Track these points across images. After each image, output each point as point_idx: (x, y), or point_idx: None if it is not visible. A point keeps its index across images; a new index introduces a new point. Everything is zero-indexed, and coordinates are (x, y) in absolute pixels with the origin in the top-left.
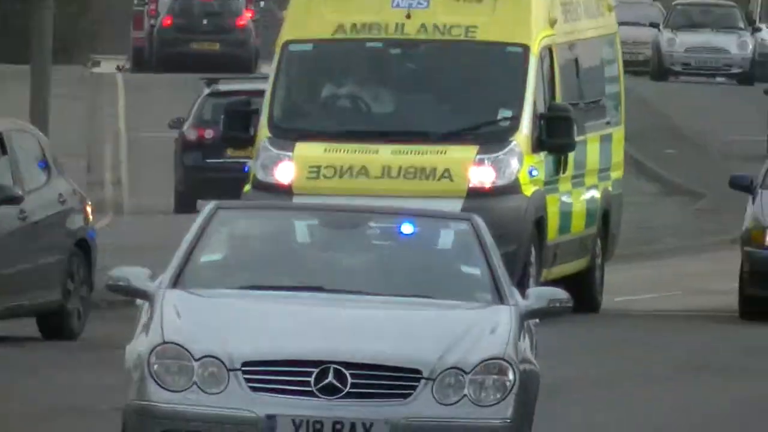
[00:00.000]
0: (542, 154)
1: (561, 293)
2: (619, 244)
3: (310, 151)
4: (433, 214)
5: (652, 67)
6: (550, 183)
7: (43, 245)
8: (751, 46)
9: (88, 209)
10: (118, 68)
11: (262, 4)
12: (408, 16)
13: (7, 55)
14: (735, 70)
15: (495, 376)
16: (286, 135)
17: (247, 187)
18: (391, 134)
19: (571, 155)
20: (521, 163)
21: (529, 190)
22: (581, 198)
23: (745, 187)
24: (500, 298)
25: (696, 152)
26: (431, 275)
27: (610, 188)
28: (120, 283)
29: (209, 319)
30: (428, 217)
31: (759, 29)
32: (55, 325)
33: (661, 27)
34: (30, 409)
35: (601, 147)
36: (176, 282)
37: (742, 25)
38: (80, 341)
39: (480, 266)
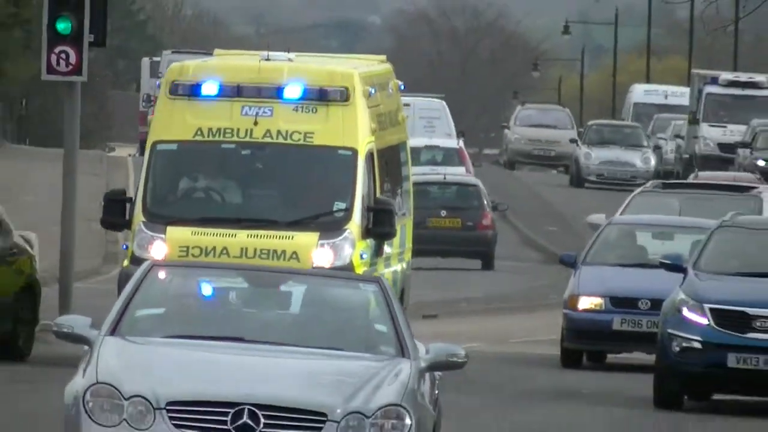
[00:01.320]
0: (369, 240)
1: (459, 350)
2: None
3: (179, 234)
4: (346, 276)
5: (571, 176)
6: (372, 264)
7: None
8: (653, 161)
9: (35, 260)
10: (129, 155)
11: None
12: (255, 123)
13: (40, 140)
14: (639, 181)
15: (393, 421)
16: (158, 220)
17: (126, 263)
18: (245, 221)
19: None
20: (354, 247)
21: (360, 269)
22: (390, 277)
23: (571, 264)
24: (402, 352)
25: (570, 230)
26: (341, 330)
27: (405, 267)
28: (64, 330)
29: (139, 363)
30: (341, 278)
31: (659, 147)
32: (6, 347)
33: (579, 143)
34: None
35: (400, 234)
36: (114, 330)
37: (645, 143)
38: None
39: (386, 323)
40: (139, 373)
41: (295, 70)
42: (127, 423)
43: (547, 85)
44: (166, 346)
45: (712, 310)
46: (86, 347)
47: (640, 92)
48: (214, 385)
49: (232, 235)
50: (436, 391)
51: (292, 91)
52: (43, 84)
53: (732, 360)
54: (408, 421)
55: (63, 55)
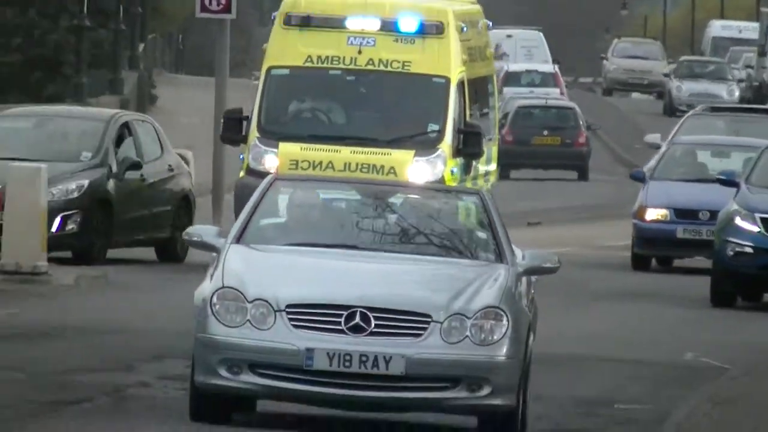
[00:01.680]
0: (459, 159)
1: (552, 256)
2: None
3: (290, 149)
4: (449, 189)
5: (664, 106)
6: (462, 181)
7: (156, 199)
8: (737, 93)
9: (191, 175)
10: None
11: None
12: (359, 52)
13: (195, 70)
14: None
15: (492, 321)
16: (271, 136)
17: (242, 173)
18: (348, 139)
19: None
20: (445, 164)
21: (451, 184)
22: None
23: (640, 179)
24: (501, 258)
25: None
26: (445, 238)
27: (490, 186)
28: (194, 239)
29: (262, 268)
30: (445, 191)
31: (743, 79)
32: (167, 252)
33: (671, 76)
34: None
35: (486, 155)
36: (239, 239)
37: (730, 76)
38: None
39: (486, 232)
40: (261, 277)
41: (396, 6)
42: (250, 323)
43: (634, 21)
44: (286, 253)
45: (762, 219)
46: (214, 254)
47: (718, 27)
48: (329, 290)
49: (336, 151)
50: (533, 293)
51: (394, 24)
52: (197, 21)
53: None
54: (505, 321)
55: None
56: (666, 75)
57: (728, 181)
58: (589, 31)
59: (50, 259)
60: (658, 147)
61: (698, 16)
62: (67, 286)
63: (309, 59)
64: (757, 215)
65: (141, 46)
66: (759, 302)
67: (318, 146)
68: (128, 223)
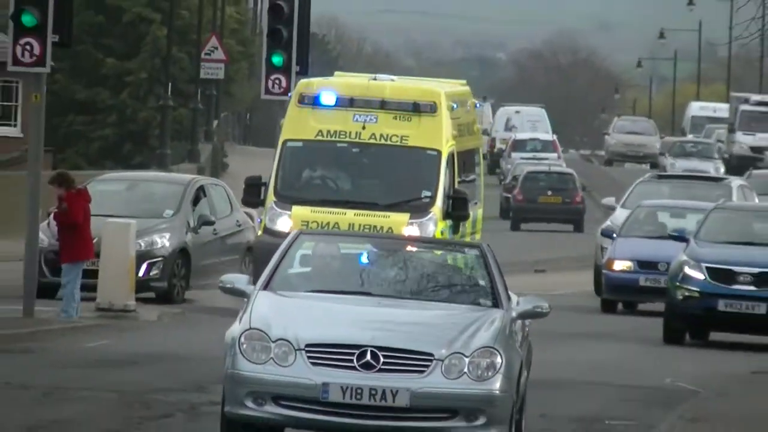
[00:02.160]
0: (448, 221)
1: (542, 301)
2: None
3: (302, 211)
4: (454, 243)
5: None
6: None
7: (226, 249)
8: (722, 169)
9: (256, 228)
10: None
11: None
12: (363, 128)
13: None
14: None
15: (488, 360)
16: (285, 200)
17: (260, 232)
18: (352, 203)
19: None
20: (436, 226)
21: None
22: None
23: (610, 235)
24: (497, 304)
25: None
26: (449, 286)
27: None
28: (227, 285)
29: (284, 312)
30: (450, 244)
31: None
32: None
33: (666, 155)
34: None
35: (472, 217)
36: (266, 286)
37: (716, 155)
38: None
39: (485, 280)
40: (284, 320)
41: (396, 88)
42: (274, 361)
43: (625, 104)
44: (307, 298)
45: (707, 268)
46: (245, 299)
47: (696, 108)
48: (343, 331)
49: (342, 214)
50: (527, 332)
51: (394, 104)
52: (262, 102)
53: (722, 305)
54: (499, 359)
55: (277, 81)
56: (661, 154)
57: (679, 237)
58: (588, 110)
59: (137, 299)
60: (613, 209)
61: (678, 100)
62: (150, 321)
63: (320, 133)
64: (703, 265)
65: (215, 123)
66: (705, 340)
67: (326, 209)
68: (203, 269)
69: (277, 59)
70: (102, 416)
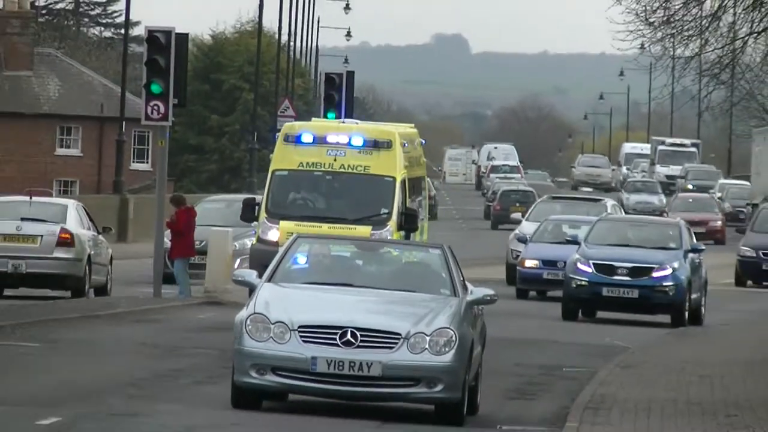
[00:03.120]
0: (401, 233)
1: (490, 291)
2: None
3: (287, 225)
4: (420, 244)
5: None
6: None
7: None
8: (664, 200)
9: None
10: None
11: None
12: (335, 160)
13: None
14: (657, 213)
15: (444, 338)
16: (275, 216)
17: (255, 241)
18: (326, 218)
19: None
20: (392, 236)
21: None
22: None
23: (524, 241)
24: (454, 293)
25: None
26: (416, 278)
27: None
28: (239, 279)
29: (282, 300)
30: (417, 245)
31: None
32: None
33: (623, 191)
34: None
35: (420, 231)
36: (270, 279)
37: (659, 190)
38: None
39: (444, 274)
40: (281, 306)
41: (360, 129)
42: (273, 339)
43: (575, 146)
44: (301, 289)
45: (594, 263)
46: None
47: (628, 147)
48: (329, 315)
49: (319, 227)
50: (481, 315)
51: (358, 141)
52: None
53: (605, 291)
54: (454, 338)
55: (156, 107)
56: (618, 190)
57: (574, 241)
58: (548, 149)
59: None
60: (519, 221)
61: (613, 143)
62: (240, 303)
63: (301, 164)
64: (591, 261)
65: None
66: (594, 317)
67: (306, 223)
68: None
69: (155, 87)
70: (207, 367)
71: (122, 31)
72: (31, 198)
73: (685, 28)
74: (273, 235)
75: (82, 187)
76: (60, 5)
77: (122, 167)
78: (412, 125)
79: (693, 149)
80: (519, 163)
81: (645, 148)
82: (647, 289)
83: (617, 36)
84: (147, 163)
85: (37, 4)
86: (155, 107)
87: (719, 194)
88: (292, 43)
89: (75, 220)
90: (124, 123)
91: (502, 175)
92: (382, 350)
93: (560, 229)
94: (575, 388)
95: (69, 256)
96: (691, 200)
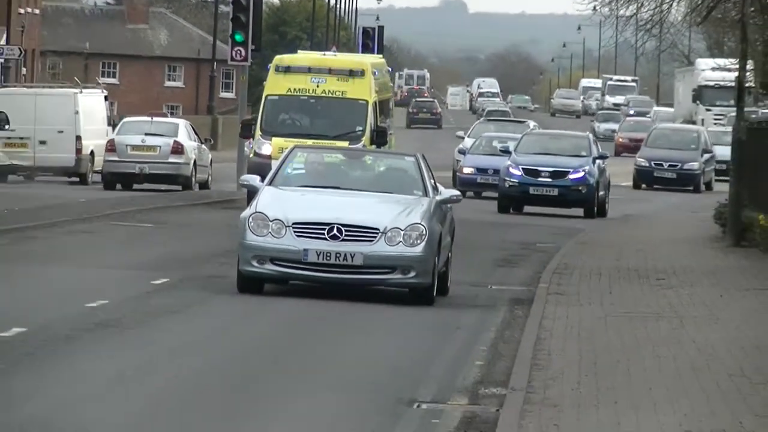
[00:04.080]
0: (373, 146)
1: (456, 192)
2: None
3: (277, 141)
4: (398, 152)
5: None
6: None
7: None
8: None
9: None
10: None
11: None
12: (317, 86)
13: None
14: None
15: (416, 232)
16: (267, 134)
17: (251, 155)
18: (311, 135)
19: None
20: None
21: None
22: None
23: (463, 153)
24: (426, 193)
25: None
26: (393, 181)
27: None
28: (245, 183)
29: (279, 200)
30: (396, 153)
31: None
32: None
33: (595, 121)
34: None
35: (389, 144)
36: (270, 183)
37: (622, 119)
38: None
39: (417, 177)
40: (279, 206)
41: (337, 60)
42: (271, 234)
43: (545, 81)
44: (296, 191)
45: (522, 168)
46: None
47: (585, 82)
48: (318, 213)
49: (304, 142)
50: (450, 212)
51: (337, 70)
52: None
53: (531, 190)
54: (424, 231)
55: (238, 52)
56: (592, 120)
57: (506, 151)
58: (525, 83)
59: None
60: (462, 137)
61: (573, 79)
62: None
63: (289, 90)
64: (520, 166)
65: None
66: (521, 212)
67: (293, 140)
68: None
69: (238, 36)
70: None
71: None
72: (152, 118)
73: None
74: (266, 149)
75: (184, 110)
76: None
77: (214, 96)
78: (380, 56)
79: (633, 84)
80: (499, 92)
81: (597, 83)
82: (565, 188)
83: (577, 0)
84: (232, 92)
85: None
86: (238, 51)
87: (652, 118)
88: (338, 5)
89: (184, 134)
90: (215, 63)
91: (486, 99)
92: (364, 243)
93: (491, 144)
94: (545, 258)
95: (180, 161)
96: (633, 122)
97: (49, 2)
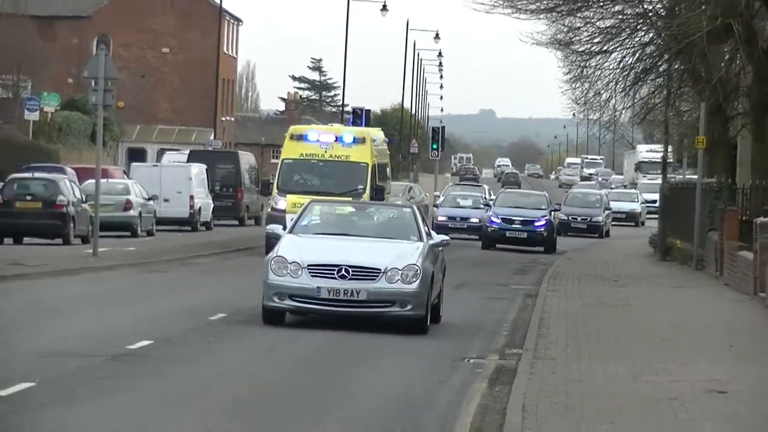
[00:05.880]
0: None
1: (446, 237)
2: None
3: (292, 198)
4: (398, 205)
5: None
6: None
7: None
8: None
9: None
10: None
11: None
12: (326, 151)
13: None
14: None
15: (412, 271)
16: (283, 191)
17: (270, 210)
18: (319, 192)
19: None
20: None
21: None
22: None
23: (436, 206)
24: (421, 239)
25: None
26: (392, 228)
27: None
28: (270, 231)
29: (297, 246)
30: (395, 206)
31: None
32: None
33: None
34: None
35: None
36: (291, 231)
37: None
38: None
39: (414, 225)
40: (296, 250)
41: (343, 130)
42: (289, 275)
43: (543, 159)
44: (312, 238)
45: (501, 217)
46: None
47: (569, 160)
48: (329, 257)
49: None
50: (441, 254)
51: (342, 138)
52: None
53: (508, 233)
54: (419, 271)
55: (434, 153)
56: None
57: (487, 204)
58: (530, 159)
59: None
60: (438, 196)
61: (561, 157)
62: None
63: (302, 155)
64: (499, 216)
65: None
66: (497, 249)
67: (304, 196)
68: None
69: (434, 146)
70: None
71: (341, 107)
72: None
73: (593, 108)
74: (282, 204)
75: None
76: (313, 97)
77: None
78: (379, 129)
79: (600, 161)
80: (510, 164)
81: (577, 160)
82: (531, 233)
83: (564, 109)
84: None
85: (301, 96)
86: (434, 153)
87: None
88: (416, 114)
89: None
90: None
91: (503, 167)
92: (367, 281)
93: (456, 199)
94: (545, 269)
95: None
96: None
97: (240, 112)
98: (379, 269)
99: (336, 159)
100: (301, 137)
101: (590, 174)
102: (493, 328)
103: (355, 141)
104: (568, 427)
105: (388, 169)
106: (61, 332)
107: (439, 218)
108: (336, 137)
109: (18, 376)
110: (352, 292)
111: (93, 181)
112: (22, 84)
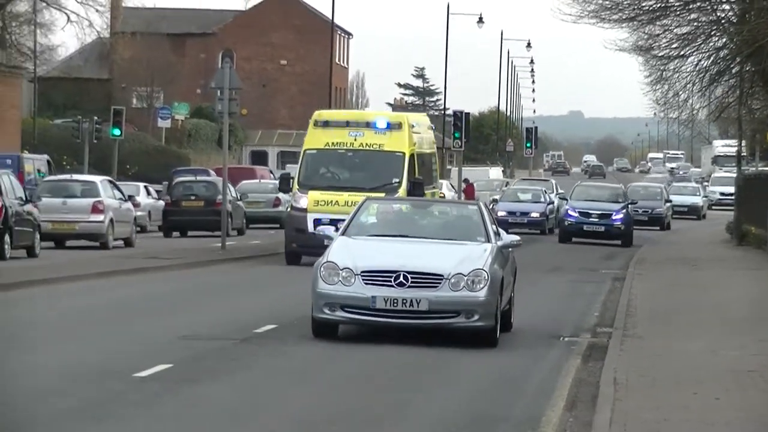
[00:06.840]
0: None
1: (517, 237)
2: None
3: (315, 195)
4: (461, 202)
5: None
6: None
7: None
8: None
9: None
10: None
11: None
12: (355, 139)
13: None
14: None
15: (479, 277)
16: (305, 187)
17: (290, 208)
18: (348, 188)
19: None
20: None
21: None
22: None
23: (496, 201)
24: (488, 239)
25: None
26: (457, 229)
27: None
28: (320, 233)
29: (350, 250)
30: (459, 202)
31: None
32: None
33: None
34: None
35: (428, 196)
36: (344, 233)
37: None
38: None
39: (480, 223)
40: (348, 255)
41: (375, 114)
42: (341, 282)
43: (629, 154)
44: (366, 240)
45: (578, 210)
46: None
47: (652, 155)
48: (386, 262)
49: (340, 195)
50: (512, 256)
51: (375, 124)
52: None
53: (585, 227)
54: (486, 277)
55: (457, 143)
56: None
57: (563, 198)
58: (617, 155)
59: None
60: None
61: (645, 152)
62: None
63: (327, 144)
64: (576, 209)
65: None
66: (572, 242)
67: (330, 192)
68: None
69: (456, 134)
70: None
71: (443, 111)
72: None
73: (672, 107)
74: (303, 203)
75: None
76: (417, 102)
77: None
78: (425, 114)
79: (681, 155)
80: (595, 159)
81: (659, 156)
82: (609, 226)
83: (646, 108)
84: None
85: (406, 102)
86: (456, 142)
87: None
88: (511, 115)
89: None
90: (444, 150)
91: (589, 161)
92: (429, 289)
93: (516, 194)
94: (631, 255)
95: None
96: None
97: None
98: (441, 275)
99: (367, 148)
100: (327, 123)
101: (671, 168)
102: (584, 309)
103: (390, 126)
104: (656, 397)
105: (434, 160)
106: (189, 318)
107: (499, 213)
108: (368, 122)
109: (157, 359)
110: (411, 301)
111: (247, 181)
112: (155, 95)
